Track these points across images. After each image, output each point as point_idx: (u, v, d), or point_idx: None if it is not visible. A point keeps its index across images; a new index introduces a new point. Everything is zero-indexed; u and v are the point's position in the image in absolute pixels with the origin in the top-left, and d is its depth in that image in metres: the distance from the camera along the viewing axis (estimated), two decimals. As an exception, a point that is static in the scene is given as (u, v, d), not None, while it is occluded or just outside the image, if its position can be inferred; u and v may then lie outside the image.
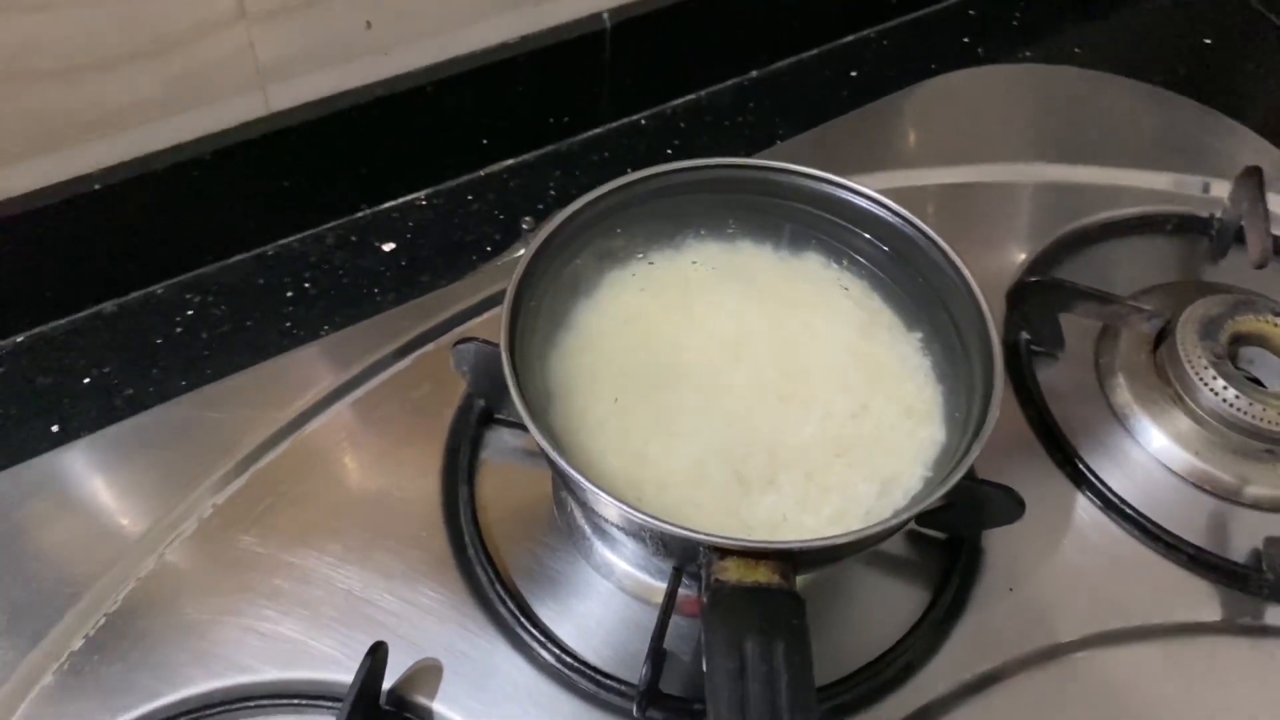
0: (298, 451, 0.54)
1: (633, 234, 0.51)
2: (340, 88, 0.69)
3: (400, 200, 0.76)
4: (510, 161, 0.79)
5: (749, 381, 0.48)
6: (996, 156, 0.72)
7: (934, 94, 0.76)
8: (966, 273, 0.46)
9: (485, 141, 0.77)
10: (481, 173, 0.78)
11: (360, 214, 0.75)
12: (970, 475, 0.51)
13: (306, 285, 0.70)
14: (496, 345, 0.43)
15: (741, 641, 0.36)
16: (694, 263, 0.51)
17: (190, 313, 0.69)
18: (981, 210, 0.68)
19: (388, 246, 0.73)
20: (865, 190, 0.50)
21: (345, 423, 0.55)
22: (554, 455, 0.41)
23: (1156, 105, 0.77)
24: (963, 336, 0.47)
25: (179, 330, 0.68)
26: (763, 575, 0.39)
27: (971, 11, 0.93)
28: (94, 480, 0.54)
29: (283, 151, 0.69)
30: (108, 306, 0.68)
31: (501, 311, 0.44)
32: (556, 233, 0.48)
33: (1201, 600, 0.52)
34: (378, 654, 0.44)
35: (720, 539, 0.39)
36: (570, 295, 0.50)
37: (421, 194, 0.76)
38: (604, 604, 0.51)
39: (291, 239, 0.73)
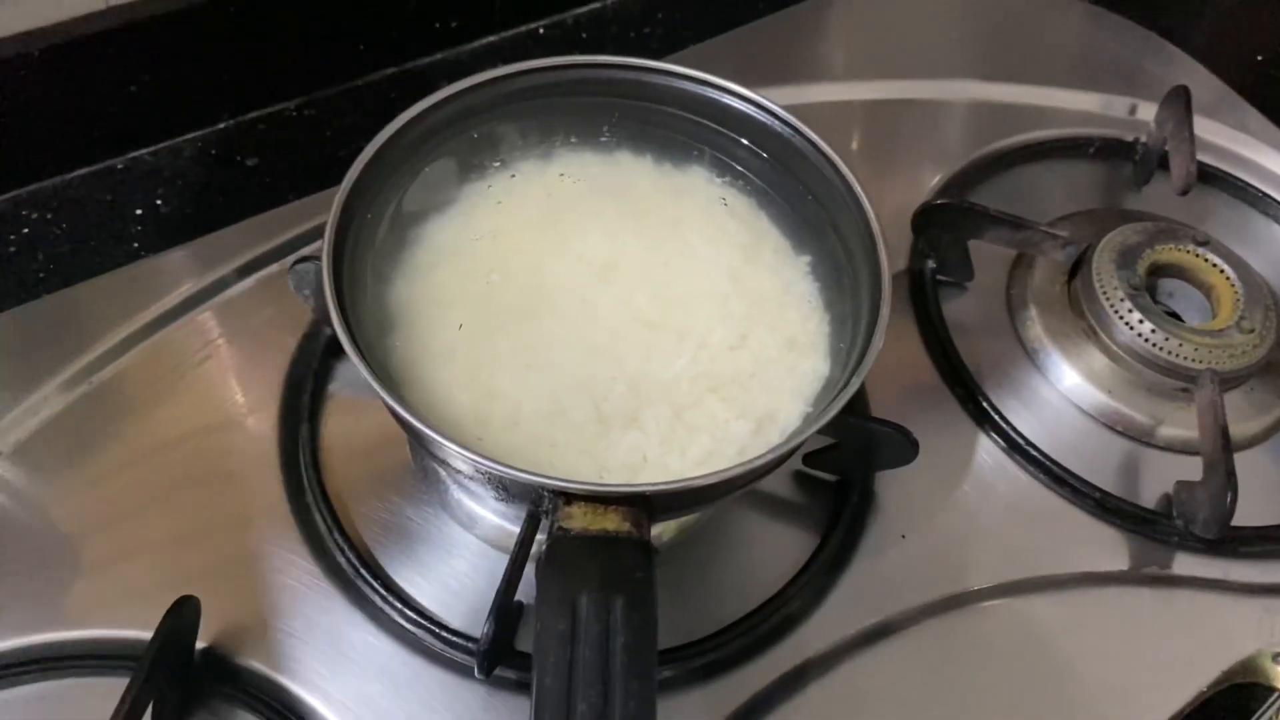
0: (124, 379, 0.48)
1: (494, 141, 0.46)
2: (194, -22, 0.62)
3: (267, 110, 0.69)
4: (392, 70, 0.72)
5: (617, 308, 0.43)
6: (917, 72, 0.67)
7: (855, 3, 0.71)
8: (855, 183, 0.41)
9: (362, 47, 0.70)
10: (359, 81, 0.71)
11: (222, 124, 0.68)
12: (862, 413, 0.47)
13: (159, 203, 0.64)
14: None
15: (576, 598, 0.32)
16: (562, 174, 0.46)
17: (25, 230, 0.62)
18: (897, 129, 0.63)
19: (250, 161, 0.67)
20: (751, 94, 0.44)
21: (178, 348, 0.50)
22: (377, 385, 0.36)
23: (1088, 23, 0.72)
24: (853, 260, 0.42)
25: (12, 250, 0.61)
26: (611, 523, 0.34)
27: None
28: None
29: (128, 52, 0.62)
30: (-71, 226, 0.61)
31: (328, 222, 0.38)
32: (400, 134, 0.42)
33: (1109, 548, 0.48)
34: (183, 610, 0.39)
35: (564, 483, 0.34)
36: (419, 209, 0.44)
37: (291, 103, 0.69)
38: (466, 559, 0.46)
39: (143, 151, 0.66)
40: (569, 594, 0.32)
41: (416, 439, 0.38)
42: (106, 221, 0.62)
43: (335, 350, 0.50)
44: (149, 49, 0.62)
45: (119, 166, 0.65)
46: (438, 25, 0.72)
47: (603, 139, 0.47)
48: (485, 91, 0.44)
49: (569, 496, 0.34)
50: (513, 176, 0.46)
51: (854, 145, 0.63)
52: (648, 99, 0.46)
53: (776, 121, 0.44)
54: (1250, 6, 0.82)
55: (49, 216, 0.62)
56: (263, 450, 0.47)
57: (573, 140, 0.47)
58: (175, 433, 0.47)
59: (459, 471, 0.38)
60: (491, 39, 0.74)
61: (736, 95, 0.45)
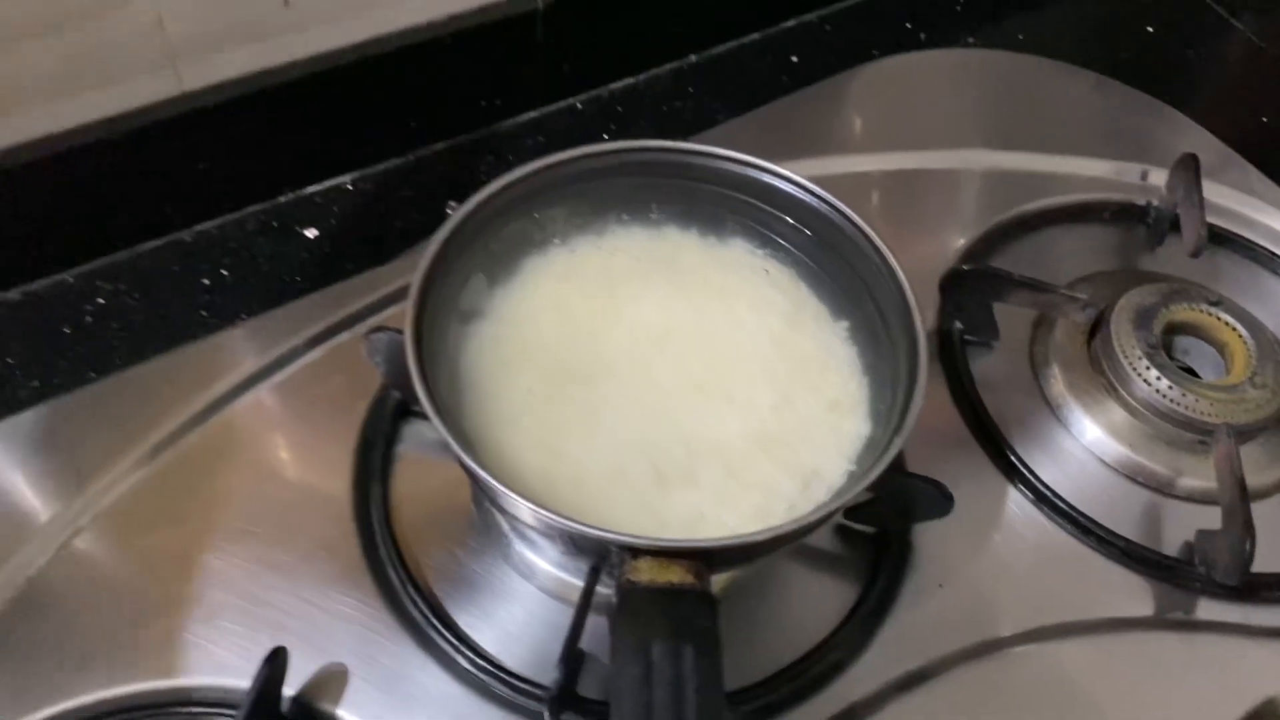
0: (203, 446, 0.52)
1: (553, 219, 0.49)
2: (258, 66, 0.66)
3: (325, 184, 0.73)
4: (440, 145, 0.76)
5: (671, 373, 0.46)
6: (935, 143, 0.70)
7: (874, 78, 0.75)
8: (891, 258, 0.45)
9: (413, 124, 0.75)
10: (411, 156, 0.75)
11: (282, 198, 0.72)
12: (899, 468, 0.50)
13: (224, 273, 0.68)
14: None
15: (649, 645, 0.35)
16: (616, 249, 0.50)
17: (101, 301, 0.66)
18: (918, 197, 0.67)
19: (310, 232, 0.71)
20: (790, 175, 0.48)
21: (254, 416, 0.53)
22: (456, 447, 0.39)
23: (1098, 92, 0.76)
24: (889, 325, 0.46)
25: (89, 320, 0.65)
26: (675, 575, 0.37)
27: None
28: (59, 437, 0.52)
29: (198, 133, 0.66)
30: (12, 295, 0.65)
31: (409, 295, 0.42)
32: (472, 216, 0.46)
33: (1134, 595, 0.51)
34: (276, 660, 0.42)
35: (631, 538, 0.37)
36: (487, 283, 0.48)
37: (347, 178, 0.74)
38: (525, 606, 0.49)
39: (209, 224, 0.70)
40: (643, 642, 0.35)
41: (490, 496, 0.42)
42: (176, 291, 0.66)
43: (403, 413, 0.53)
44: (216, 129, 0.66)
45: (186, 239, 0.69)
46: (483, 103, 0.76)
47: (652, 216, 0.50)
48: (545, 175, 0.48)
49: (636, 551, 0.38)
50: (571, 252, 0.50)
51: (879, 213, 0.66)
52: (692, 178, 0.50)
53: (814, 198, 0.48)
54: (1253, 73, 0.87)
55: (122, 288, 0.66)
56: (338, 509, 0.50)
57: (624, 218, 0.50)
58: (254, 494, 0.51)
59: (528, 526, 0.41)
60: (533, 114, 0.79)
61: (776, 174, 0.48)
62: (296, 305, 0.60)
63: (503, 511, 0.42)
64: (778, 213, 0.49)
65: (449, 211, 0.68)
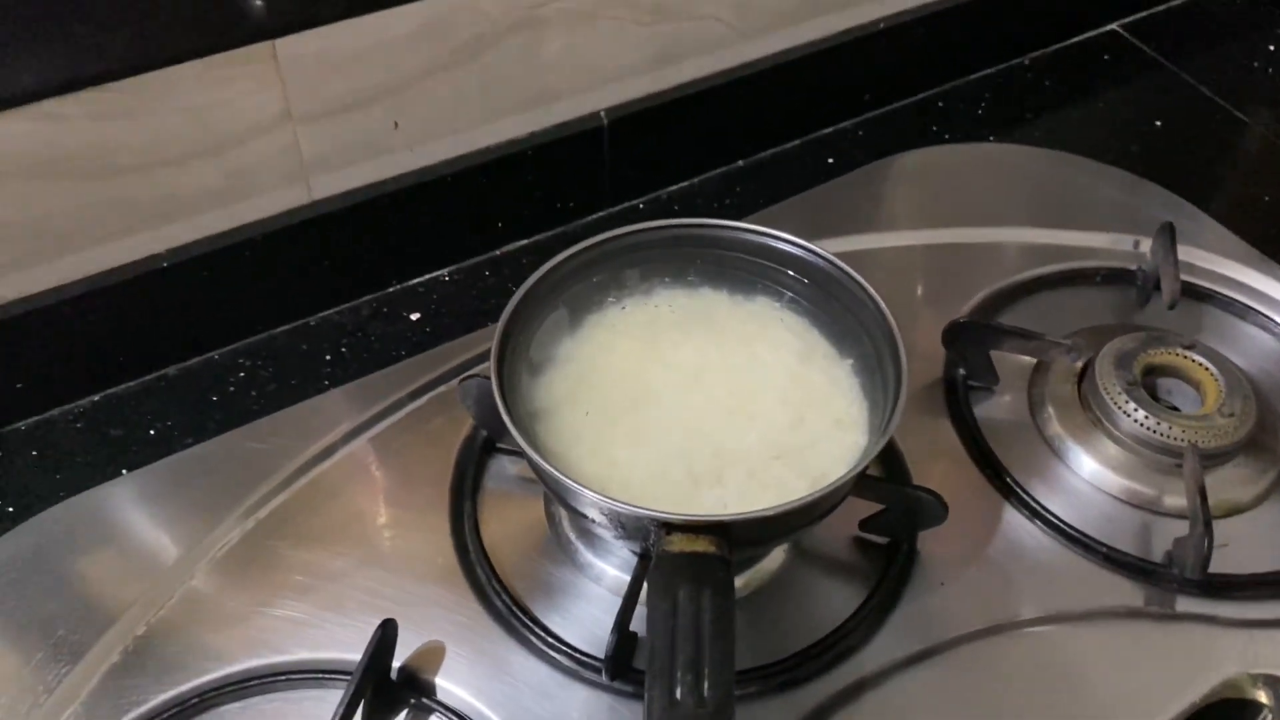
0: (327, 475, 0.63)
1: (608, 283, 0.61)
2: (373, 179, 0.80)
3: (426, 276, 0.86)
4: (523, 242, 0.89)
5: (704, 401, 0.57)
6: (952, 222, 0.80)
7: (898, 169, 0.86)
8: (881, 303, 0.55)
9: (500, 225, 0.88)
10: (498, 252, 0.88)
11: (391, 289, 0.85)
12: (905, 482, 0.59)
13: (343, 350, 0.80)
14: None
15: (676, 590, 0.44)
16: (660, 305, 0.61)
17: (242, 374, 0.79)
18: (933, 268, 0.76)
19: (414, 316, 0.83)
20: (800, 241, 0.59)
21: (368, 450, 0.65)
22: (530, 452, 0.50)
23: (1100, 178, 0.85)
24: (882, 361, 0.55)
25: (232, 390, 0.78)
26: (701, 546, 0.47)
27: (940, 104, 1.03)
28: (155, 502, 0.64)
29: (323, 235, 0.79)
30: (171, 370, 0.79)
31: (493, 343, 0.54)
32: (542, 280, 0.58)
33: (1117, 592, 0.58)
34: (387, 629, 0.53)
35: (665, 514, 0.47)
36: (555, 334, 0.59)
37: (444, 271, 0.87)
38: (591, 602, 0.58)
39: (330, 311, 0.83)
40: (672, 588, 0.45)
41: (558, 492, 0.52)
42: (302, 366, 0.79)
43: (489, 448, 0.64)
44: (338, 231, 0.80)
45: (311, 323, 0.83)
46: (558, 205, 0.89)
47: (690, 279, 0.62)
48: (603, 248, 0.60)
49: (670, 527, 0.47)
50: (623, 309, 0.61)
51: (901, 282, 0.76)
52: (722, 248, 0.61)
53: (821, 260, 0.59)
54: (1235, 151, 0.96)
55: (259, 363, 0.79)
56: (436, 523, 0.61)
57: (667, 280, 0.62)
58: (367, 515, 0.62)
59: (588, 517, 0.51)
60: (601, 214, 0.91)
61: (787, 241, 0.59)
62: (401, 367, 0.71)
63: (567, 507, 0.53)
64: (792, 273, 0.60)
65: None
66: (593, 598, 0.58)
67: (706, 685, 0.41)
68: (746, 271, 0.61)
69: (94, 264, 0.73)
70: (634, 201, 0.92)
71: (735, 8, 0.87)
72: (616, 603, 0.57)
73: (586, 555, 0.60)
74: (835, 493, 0.49)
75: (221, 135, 0.72)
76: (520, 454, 0.61)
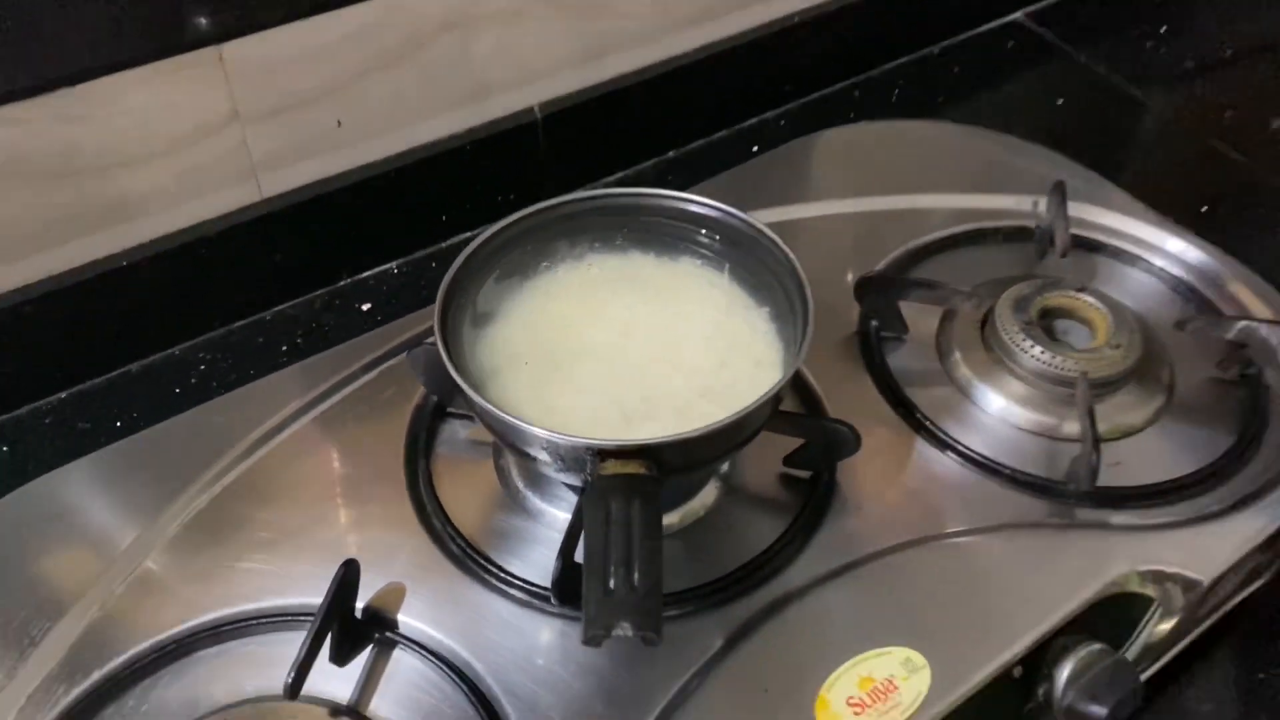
0: (285, 444, 0.67)
1: (542, 250, 0.66)
2: (320, 176, 0.84)
3: (376, 269, 0.91)
4: (466, 234, 0.94)
5: (635, 351, 0.62)
6: (868, 191, 0.86)
7: (819, 146, 0.92)
8: (788, 250, 0.60)
9: (443, 217, 0.92)
10: (443, 244, 0.93)
11: (342, 282, 0.90)
12: (822, 415, 0.65)
13: (299, 342, 0.85)
14: None
15: (609, 502, 0.49)
16: (590, 267, 0.66)
17: (203, 368, 0.83)
18: (849, 234, 0.82)
19: (365, 307, 0.88)
20: (714, 203, 0.64)
21: (324, 421, 0.69)
22: (477, 398, 0.54)
23: (1005, 147, 0.92)
24: (794, 306, 0.61)
25: (194, 382, 0.82)
26: (632, 469, 0.52)
27: (857, 93, 1.10)
28: (123, 477, 0.67)
29: (274, 231, 0.84)
30: (134, 366, 0.83)
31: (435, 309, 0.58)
32: (479, 250, 0.63)
33: (1023, 508, 0.64)
34: (349, 568, 0.57)
35: (598, 441, 0.52)
36: (493, 298, 0.64)
37: (394, 263, 0.91)
38: (541, 545, 0.63)
39: (285, 305, 0.88)
40: (605, 501, 0.49)
41: (504, 434, 0.57)
42: (261, 358, 0.83)
43: (440, 413, 0.69)
44: (289, 227, 0.84)
45: (267, 318, 0.87)
46: (498, 197, 0.94)
47: (618, 243, 0.67)
48: (536, 218, 0.65)
49: (604, 453, 0.52)
50: (556, 273, 0.66)
51: (818, 248, 0.81)
52: (647, 214, 0.66)
53: (734, 218, 0.64)
54: (1123, 129, 1.04)
55: (218, 356, 0.84)
56: (392, 478, 0.65)
57: (597, 245, 0.67)
58: (327, 475, 0.66)
59: (531, 456, 0.56)
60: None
61: (705, 204, 0.65)
62: (352, 344, 0.76)
63: (512, 448, 0.58)
64: (711, 234, 0.66)
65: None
66: (542, 540, 0.63)
67: (637, 575, 0.46)
68: (670, 235, 0.66)
69: (57, 264, 0.76)
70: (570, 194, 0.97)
71: (657, 3, 0.93)
72: (559, 542, 0.62)
73: (535, 502, 0.64)
74: (753, 416, 0.54)
75: (174, 137, 0.76)
76: (470, 415, 0.66)
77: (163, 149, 0.76)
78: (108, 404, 0.80)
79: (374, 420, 0.69)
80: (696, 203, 0.65)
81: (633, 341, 0.62)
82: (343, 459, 0.67)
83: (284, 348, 0.84)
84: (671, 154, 1.02)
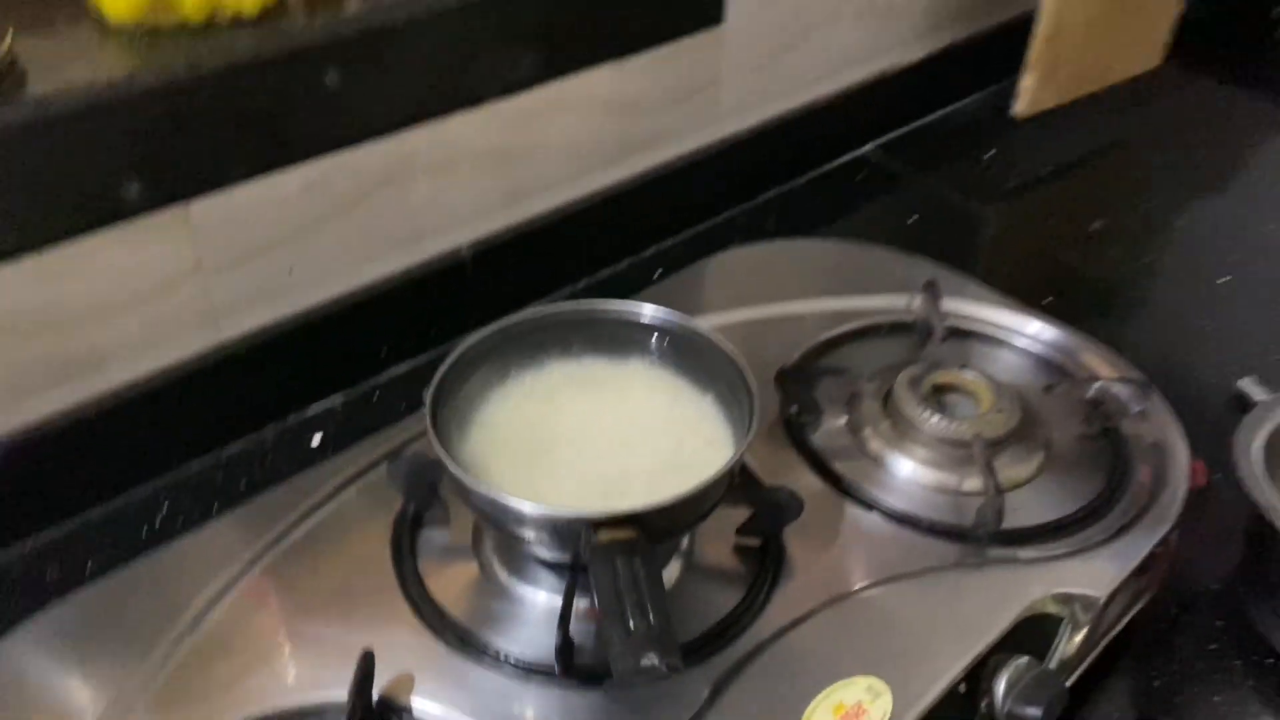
0: (277, 563, 0.72)
1: (509, 360, 0.74)
2: (272, 319, 0.91)
3: (323, 403, 0.97)
4: (404, 366, 1.01)
5: (602, 440, 0.70)
6: (764, 301, 0.97)
7: (715, 266, 1.04)
8: (729, 347, 0.70)
9: (382, 353, 1.00)
10: (383, 376, 1.00)
11: (289, 419, 0.95)
12: (767, 488, 0.74)
13: (255, 477, 0.89)
14: (423, 454, 0.65)
15: (613, 562, 0.57)
16: (551, 373, 0.75)
17: (166, 506, 0.87)
18: (757, 337, 0.92)
19: (316, 439, 0.94)
20: (661, 311, 0.74)
21: (307, 538, 0.74)
22: (470, 481, 0.61)
23: (876, 256, 1.05)
24: (735, 391, 0.70)
25: (159, 524, 0.85)
26: (624, 535, 0.60)
27: (736, 222, 1.24)
28: (94, 631, 0.70)
29: (230, 372, 0.89)
30: (95, 512, 0.86)
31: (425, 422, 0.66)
32: (456, 361, 0.70)
33: (941, 553, 0.73)
34: (367, 659, 0.62)
35: (591, 513, 0.60)
36: (468, 406, 0.72)
37: (339, 396, 0.97)
38: (531, 625, 0.69)
39: (239, 442, 0.92)
40: (609, 561, 0.57)
41: (497, 515, 0.63)
42: (220, 495, 0.87)
43: (417, 524, 0.75)
44: (244, 368, 0.90)
45: (223, 457, 0.91)
46: (432, 331, 1.02)
47: (573, 350, 0.76)
48: (498, 335, 0.73)
49: (597, 524, 0.60)
50: (522, 380, 0.74)
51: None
52: (597, 321, 0.76)
53: (674, 321, 0.74)
54: (972, 236, 1.20)
55: (180, 495, 0.88)
56: (385, 585, 0.71)
57: (555, 353, 0.76)
58: (320, 585, 0.71)
59: (523, 537, 0.63)
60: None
61: (650, 312, 0.75)
62: (310, 473, 0.81)
63: (504, 529, 0.64)
64: (655, 336, 0.75)
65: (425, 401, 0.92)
66: (530, 620, 0.69)
67: (652, 616, 0.53)
68: (618, 339, 0.76)
69: (26, 417, 0.80)
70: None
71: (566, 150, 1.05)
72: (551, 620, 0.68)
73: (519, 587, 0.70)
74: (719, 482, 0.63)
75: (143, 290, 0.82)
76: (444, 524, 0.73)
77: (132, 302, 0.82)
78: (75, 550, 0.82)
79: (357, 532, 0.74)
80: (642, 311, 0.75)
81: (598, 432, 0.71)
82: (333, 571, 0.72)
83: (243, 482, 0.89)
84: (583, 282, 1.13)
